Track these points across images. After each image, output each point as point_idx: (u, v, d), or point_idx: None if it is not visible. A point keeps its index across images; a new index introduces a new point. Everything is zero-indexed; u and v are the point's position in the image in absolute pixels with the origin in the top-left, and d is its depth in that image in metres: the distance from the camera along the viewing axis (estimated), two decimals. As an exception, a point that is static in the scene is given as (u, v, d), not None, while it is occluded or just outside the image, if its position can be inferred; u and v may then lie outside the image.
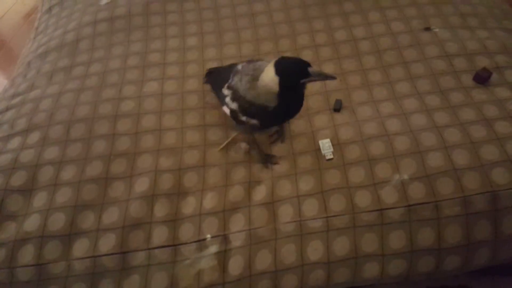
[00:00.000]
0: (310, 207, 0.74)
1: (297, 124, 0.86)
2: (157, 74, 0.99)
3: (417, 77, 0.91)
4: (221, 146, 0.84)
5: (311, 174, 0.78)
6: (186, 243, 0.73)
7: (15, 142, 0.87)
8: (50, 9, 1.29)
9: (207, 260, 0.71)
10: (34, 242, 0.73)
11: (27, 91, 1.00)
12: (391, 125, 0.82)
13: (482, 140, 0.77)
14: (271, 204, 0.76)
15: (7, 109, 0.97)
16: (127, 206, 0.76)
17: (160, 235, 0.73)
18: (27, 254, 0.73)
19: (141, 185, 0.79)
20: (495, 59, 0.92)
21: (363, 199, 0.73)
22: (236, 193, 0.77)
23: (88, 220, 0.76)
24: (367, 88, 0.92)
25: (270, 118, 0.75)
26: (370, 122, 0.83)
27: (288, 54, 0.93)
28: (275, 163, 0.81)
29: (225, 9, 1.15)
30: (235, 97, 0.76)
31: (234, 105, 0.77)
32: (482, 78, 0.88)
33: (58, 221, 0.75)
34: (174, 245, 0.73)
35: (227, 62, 1.00)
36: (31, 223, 0.75)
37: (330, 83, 0.93)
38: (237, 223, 0.74)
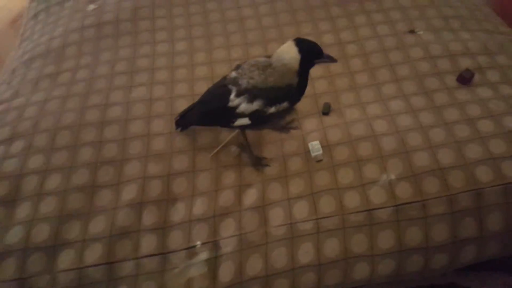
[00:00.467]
0: (301, 210, 0.74)
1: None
2: (145, 79, 0.98)
3: (403, 79, 0.92)
4: (214, 152, 0.84)
5: (301, 176, 0.78)
6: (175, 251, 0.72)
7: (-2, 151, 0.86)
8: (36, 15, 1.27)
9: (197, 268, 0.70)
10: (16, 255, 0.71)
11: (11, 99, 0.98)
12: (378, 126, 0.83)
13: (466, 139, 0.78)
14: (262, 207, 0.76)
15: (-10, 117, 0.95)
16: (114, 214, 0.75)
17: (148, 243, 0.72)
18: (8, 268, 0.71)
19: (129, 192, 0.78)
20: (477, 60, 0.95)
21: (352, 200, 0.74)
22: (226, 197, 0.77)
23: (73, 230, 0.74)
24: (354, 90, 0.93)
25: (297, 95, 0.77)
26: (358, 123, 0.84)
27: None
28: (266, 165, 0.81)
29: (214, 14, 1.16)
30: (255, 95, 0.74)
31: (256, 105, 0.74)
32: (465, 79, 0.90)
33: (42, 232, 0.73)
34: (163, 253, 0.72)
35: (217, 66, 1.01)
36: (14, 235, 0.73)
37: (319, 86, 0.94)
38: (228, 228, 0.74)
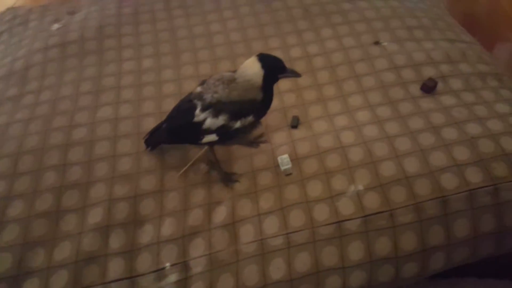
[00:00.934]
0: (271, 225, 0.74)
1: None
2: (111, 99, 0.97)
3: (369, 90, 0.94)
4: (182, 170, 0.82)
5: (271, 191, 0.78)
6: (144, 274, 0.70)
7: (-43, 179, 0.82)
8: (-2, 36, 1.25)
9: (167, 290, 0.68)
10: (-24, 289, 0.69)
11: (-28, 124, 0.95)
12: (345, 137, 0.84)
13: (431, 147, 0.80)
14: (232, 225, 0.75)
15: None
16: (80, 239, 0.73)
17: (116, 267, 0.71)
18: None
19: (95, 216, 0.76)
20: (440, 68, 0.97)
21: (321, 212, 0.74)
22: (195, 216, 0.76)
23: (38, 258, 0.72)
24: (322, 102, 0.94)
25: (262, 109, 0.77)
26: (326, 135, 0.85)
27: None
28: (236, 181, 0.80)
29: (181, 30, 1.16)
30: (219, 109, 0.74)
31: (221, 119, 0.74)
32: (428, 88, 0.92)
33: (4, 262, 0.71)
34: (131, 277, 0.70)
35: (185, 83, 1.00)
36: (-28, 268, 0.71)
37: (288, 99, 0.95)
38: (197, 248, 0.72)
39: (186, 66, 1.05)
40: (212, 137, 0.75)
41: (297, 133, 0.87)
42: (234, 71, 0.78)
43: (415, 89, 0.93)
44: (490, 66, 1.01)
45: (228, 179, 0.81)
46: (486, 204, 0.74)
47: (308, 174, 0.79)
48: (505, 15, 1.58)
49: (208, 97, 0.74)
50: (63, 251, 0.72)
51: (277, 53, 1.03)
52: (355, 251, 0.71)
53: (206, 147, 0.84)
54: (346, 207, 0.73)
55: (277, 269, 0.70)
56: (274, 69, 0.74)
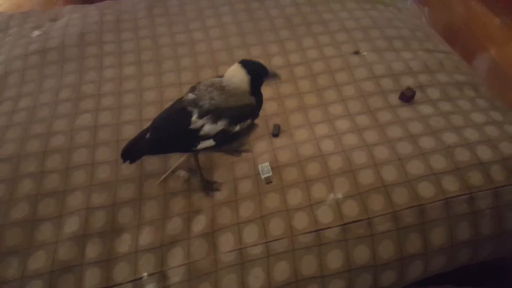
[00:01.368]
0: (250, 234, 0.73)
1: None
2: (91, 106, 0.96)
3: (348, 99, 0.95)
4: (161, 179, 0.82)
5: (251, 199, 0.78)
6: (121, 284, 0.69)
7: None
8: (-23, 42, 1.22)
9: (144, 300, 0.67)
10: None
11: None
12: (325, 145, 0.84)
13: (409, 156, 0.81)
14: (211, 234, 0.74)
15: None
16: (55, 249, 0.72)
17: (92, 277, 0.69)
18: None
19: (71, 225, 0.75)
20: (418, 78, 0.99)
21: (300, 221, 0.74)
22: (174, 225, 0.75)
23: (11, 268, 0.70)
24: (303, 111, 0.94)
25: (256, 112, 0.80)
26: (307, 144, 0.86)
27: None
28: (217, 190, 0.80)
29: (164, 38, 1.16)
30: (218, 115, 0.74)
31: (220, 125, 0.74)
32: (407, 97, 0.94)
33: (-24, 273, 0.69)
34: (108, 287, 0.69)
35: (166, 90, 1.00)
36: None
37: (269, 108, 0.95)
38: (176, 257, 0.72)
39: (168, 73, 1.05)
40: (209, 143, 0.75)
41: (278, 141, 0.88)
42: (220, 76, 0.78)
43: (394, 99, 0.95)
44: (467, 75, 1.04)
45: (209, 187, 0.80)
46: (462, 213, 0.75)
47: (289, 182, 0.79)
48: (483, 26, 1.63)
49: (206, 103, 0.74)
50: (38, 261, 0.71)
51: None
52: (334, 260, 0.71)
53: (187, 154, 0.84)
54: (325, 215, 0.74)
55: (256, 278, 0.69)
56: (259, 73, 0.77)
